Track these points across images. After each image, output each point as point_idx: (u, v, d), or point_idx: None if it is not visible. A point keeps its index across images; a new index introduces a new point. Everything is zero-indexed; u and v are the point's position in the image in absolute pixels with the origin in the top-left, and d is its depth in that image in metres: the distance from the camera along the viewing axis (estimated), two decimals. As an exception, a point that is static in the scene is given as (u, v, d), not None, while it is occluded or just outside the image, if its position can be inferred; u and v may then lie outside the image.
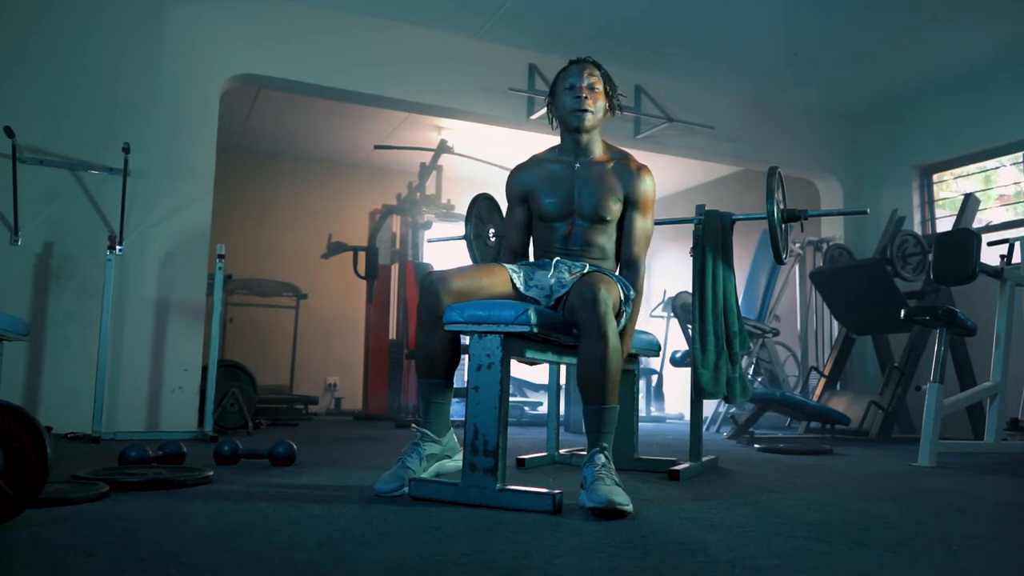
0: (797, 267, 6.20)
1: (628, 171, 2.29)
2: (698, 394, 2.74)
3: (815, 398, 4.95)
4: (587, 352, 1.92)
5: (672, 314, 6.19)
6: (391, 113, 5.83)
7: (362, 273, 5.73)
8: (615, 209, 2.28)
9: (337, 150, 7.25)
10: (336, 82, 4.68)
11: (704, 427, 5.85)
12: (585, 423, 1.97)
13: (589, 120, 2.26)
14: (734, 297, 2.84)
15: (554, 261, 2.26)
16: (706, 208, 2.96)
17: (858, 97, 5.93)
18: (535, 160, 2.40)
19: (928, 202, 5.91)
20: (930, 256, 4.68)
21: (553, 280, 2.22)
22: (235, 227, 7.01)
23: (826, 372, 5.07)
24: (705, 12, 4.62)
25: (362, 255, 5.75)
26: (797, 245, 6.12)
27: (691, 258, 2.90)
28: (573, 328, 2.04)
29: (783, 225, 2.81)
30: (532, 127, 5.19)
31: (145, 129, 4.17)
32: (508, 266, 2.21)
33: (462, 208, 6.52)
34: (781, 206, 2.79)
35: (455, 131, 6.37)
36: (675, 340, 6.92)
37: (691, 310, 2.85)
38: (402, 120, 6.21)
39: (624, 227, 2.31)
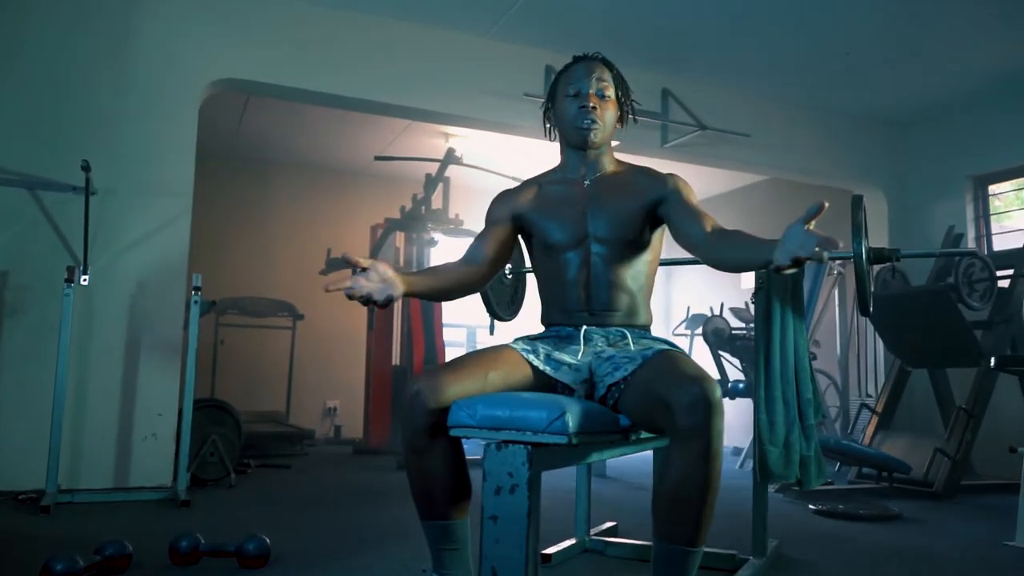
0: (837, 288, 5.68)
1: (653, 177, 1.82)
2: (763, 477, 2.22)
3: (867, 440, 4.42)
4: (683, 473, 1.36)
5: (704, 339, 5.67)
6: (394, 118, 5.33)
7: (362, 296, 5.23)
8: (642, 226, 1.77)
9: (336, 157, 6.75)
10: (330, 87, 4.18)
11: (738, 463, 5.36)
12: (655, 568, 1.43)
13: (597, 135, 1.79)
14: (807, 355, 2.33)
15: (582, 331, 1.74)
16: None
17: (905, 101, 5.39)
18: (531, 183, 1.91)
19: (984, 216, 5.37)
20: (1001, 283, 4.17)
21: (589, 357, 1.69)
22: (227, 241, 6.54)
23: (879, 409, 4.55)
24: (739, 9, 4.10)
25: (362, 276, 5.25)
26: (838, 263, 5.59)
27: (752, 302, 2.40)
28: (635, 428, 1.57)
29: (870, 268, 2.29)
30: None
31: (113, 142, 3.68)
32: (517, 345, 1.70)
33: (471, 224, 6.04)
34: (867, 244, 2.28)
35: (465, 138, 5.86)
36: (701, 362, 6.39)
37: (755, 370, 2.34)
38: (406, 126, 5.71)
39: (679, 218, 1.73)
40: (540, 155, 5.83)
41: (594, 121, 1.76)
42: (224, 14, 3.96)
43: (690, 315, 7.08)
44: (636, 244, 1.78)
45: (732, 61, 4.74)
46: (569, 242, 1.78)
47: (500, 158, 6.20)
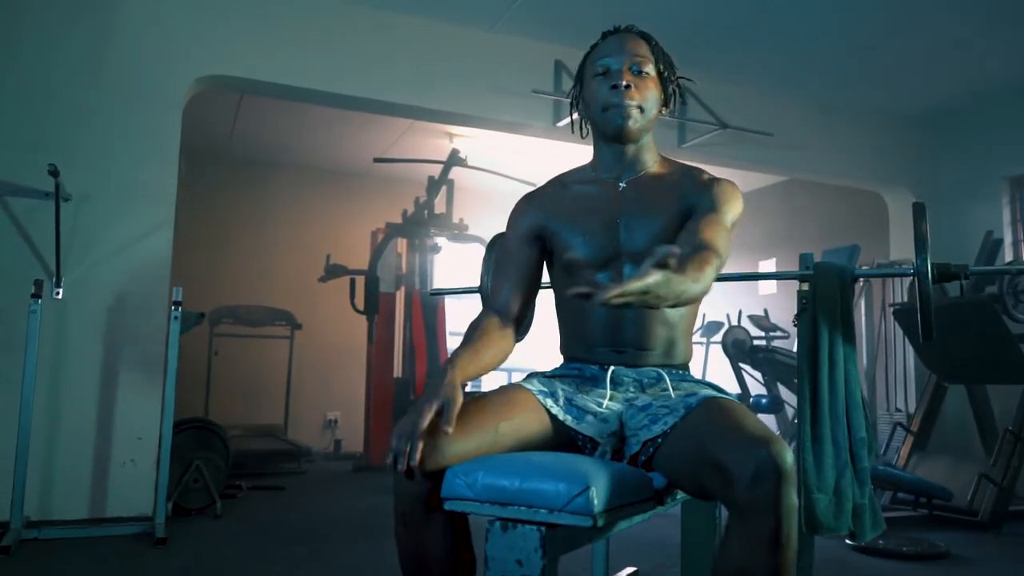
0: (863, 296, 5.37)
1: (697, 181, 1.49)
2: (810, 528, 1.93)
3: (902, 462, 4.12)
4: (746, 559, 1.06)
5: (723, 350, 5.37)
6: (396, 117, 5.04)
7: (360, 306, 4.93)
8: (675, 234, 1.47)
9: (336, 158, 6.46)
10: (325, 84, 3.89)
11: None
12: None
13: (636, 120, 1.45)
14: (859, 387, 2.03)
15: (609, 372, 1.43)
16: (817, 260, 2.15)
17: (936, 97, 5.08)
18: (557, 183, 1.58)
19: (1022, 219, 5.05)
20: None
21: (619, 405, 1.39)
22: (222, 246, 6.27)
23: (914, 428, 4.24)
24: (760, 3, 3.80)
25: (361, 283, 4.94)
26: (864, 269, 5.29)
27: (794, 327, 2.11)
28: (672, 489, 1.31)
29: (933, 286, 2.01)
30: (560, 135, 4.40)
31: (90, 144, 3.41)
32: (532, 386, 1.39)
33: (477, 229, 5.74)
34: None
35: (471, 138, 5.57)
36: (717, 373, 6.08)
37: (799, 405, 2.04)
38: (409, 125, 5.42)
39: (683, 232, 1.41)
40: (555, 153, 5.54)
41: (628, 105, 1.43)
42: (210, 6, 3.68)
43: (705, 322, 6.78)
44: None
45: (753, 57, 4.44)
46: (596, 259, 1.44)
47: (508, 159, 5.92)
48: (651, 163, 1.52)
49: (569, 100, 1.61)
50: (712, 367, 6.40)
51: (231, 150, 6.26)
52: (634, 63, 1.45)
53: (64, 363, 3.31)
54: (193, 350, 5.56)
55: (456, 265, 6.21)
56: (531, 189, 1.62)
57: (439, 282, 5.27)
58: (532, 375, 1.46)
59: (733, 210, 1.45)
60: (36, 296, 2.98)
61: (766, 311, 6.16)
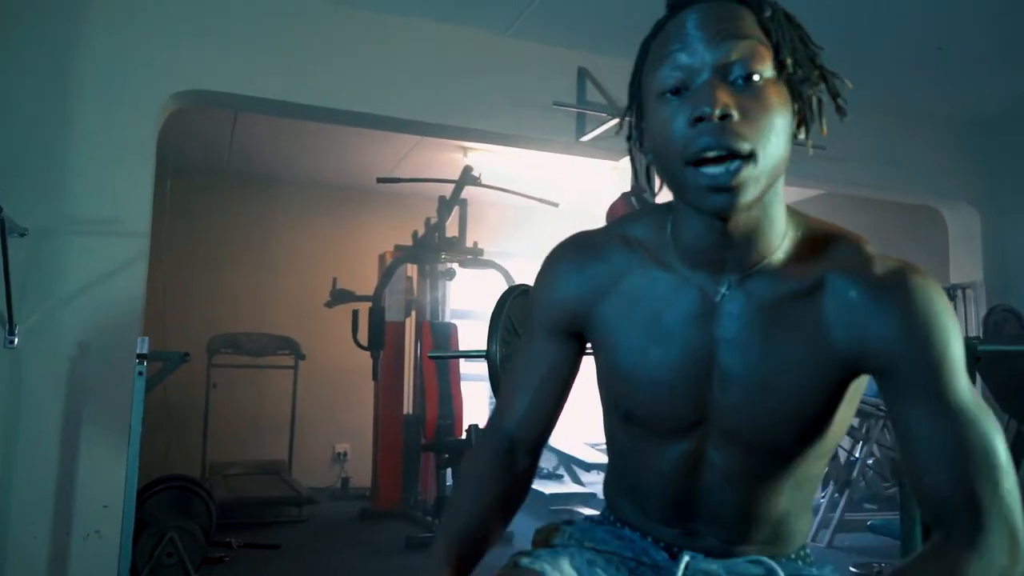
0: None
1: (866, 298, 0.85)
2: None
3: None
4: None
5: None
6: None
7: (363, 341, 4.48)
8: (827, 408, 0.89)
9: (342, 174, 6.03)
10: (320, 99, 3.45)
11: (809, 535, 4.48)
12: None
13: (748, 186, 0.80)
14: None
15: (683, 565, 0.94)
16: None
17: (1002, 99, 4.55)
18: (620, 245, 0.98)
19: (1103, 238, 4.51)
20: None
21: None
22: (220, 270, 5.87)
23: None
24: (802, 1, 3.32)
25: (364, 315, 4.50)
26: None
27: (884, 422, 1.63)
28: None
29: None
30: (584, 151, 3.93)
31: (50, 171, 3.00)
32: (557, 569, 0.91)
33: (493, 254, 5.31)
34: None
35: (487, 152, 5.12)
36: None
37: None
38: (419, 139, 4.98)
39: (906, 435, 0.85)
40: (580, 168, 5.07)
41: (734, 143, 0.78)
42: (188, 15, 3.26)
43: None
44: (809, 447, 0.91)
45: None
46: (665, 422, 0.94)
47: (531, 174, 5.43)
48: (776, 246, 0.88)
49: (617, 128, 1.04)
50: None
51: (229, 166, 5.85)
52: (736, 59, 0.80)
53: (18, 420, 2.90)
54: (189, 384, 5.18)
55: (474, 290, 5.75)
56: (577, 235, 1.03)
57: (454, 309, 4.82)
58: (560, 546, 0.98)
59: (954, 361, 0.83)
60: (-24, 349, 2.57)
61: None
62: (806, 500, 0.98)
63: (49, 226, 2.96)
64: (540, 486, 5.04)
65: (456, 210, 4.78)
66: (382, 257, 5.30)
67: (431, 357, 3.25)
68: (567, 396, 1.05)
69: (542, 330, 1.03)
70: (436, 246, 4.75)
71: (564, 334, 1.01)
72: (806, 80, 0.86)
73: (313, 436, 5.89)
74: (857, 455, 4.78)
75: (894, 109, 4.62)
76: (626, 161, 3.69)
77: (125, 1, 3.16)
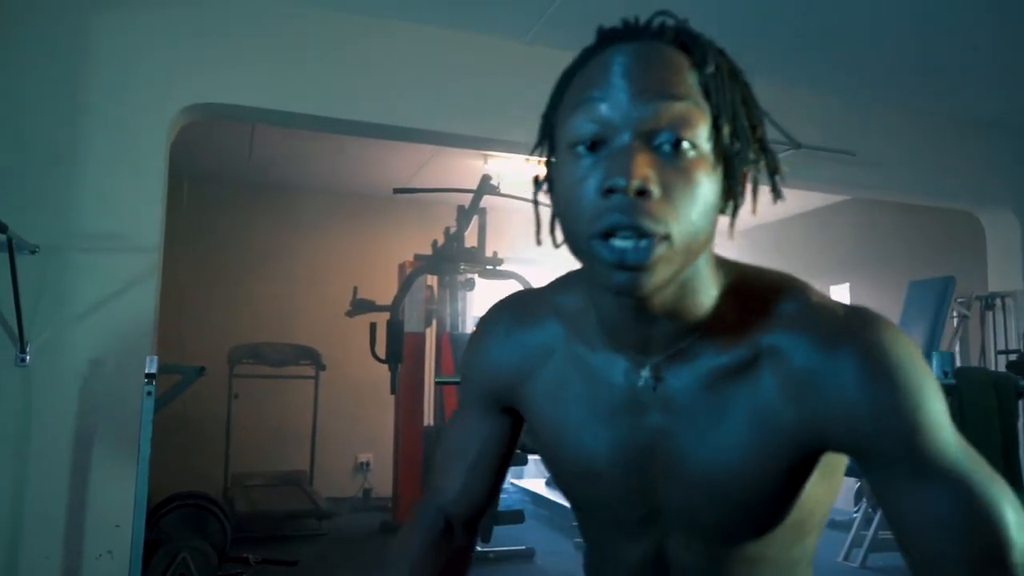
0: (959, 336, 4.66)
1: (819, 369, 0.70)
2: None
3: None
4: None
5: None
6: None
7: (381, 353, 4.42)
8: (786, 500, 0.77)
9: (361, 181, 5.99)
10: (333, 110, 3.39)
11: (842, 551, 4.33)
12: None
13: (658, 275, 0.67)
14: None
15: None
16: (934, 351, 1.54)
17: (1044, 103, 4.36)
18: (549, 313, 0.87)
19: None
20: None
21: None
22: (240, 280, 5.85)
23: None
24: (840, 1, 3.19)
25: (381, 327, 4.43)
26: (959, 302, 4.60)
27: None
28: None
29: None
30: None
31: (59, 187, 2.98)
32: None
33: (514, 263, 5.20)
34: None
35: (506, 158, 5.04)
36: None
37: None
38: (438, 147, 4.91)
39: (895, 519, 0.71)
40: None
41: (646, 223, 0.65)
42: (195, 27, 3.21)
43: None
44: (780, 536, 0.79)
45: (829, 64, 3.81)
46: (621, 519, 0.84)
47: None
48: (704, 317, 0.75)
49: (538, 179, 0.82)
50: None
51: (248, 177, 5.84)
52: (665, 125, 0.67)
53: (29, 439, 2.87)
54: (211, 395, 5.17)
55: (494, 300, 5.67)
56: (515, 297, 0.94)
57: (474, 320, 4.74)
58: None
59: (939, 413, 0.70)
60: (-15, 369, 2.54)
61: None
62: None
63: (59, 243, 2.93)
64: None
65: (475, 219, 4.70)
66: (402, 267, 5.25)
67: (438, 383, 3.17)
68: (506, 468, 0.96)
69: (473, 403, 0.94)
70: (455, 256, 4.67)
71: (497, 408, 0.92)
72: (742, 155, 0.72)
73: (335, 446, 5.85)
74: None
75: (928, 112, 4.46)
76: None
77: (133, 17, 3.12)
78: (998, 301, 4.50)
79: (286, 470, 5.53)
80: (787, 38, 3.55)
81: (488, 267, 4.64)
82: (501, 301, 0.93)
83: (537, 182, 0.80)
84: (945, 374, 1.46)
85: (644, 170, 0.65)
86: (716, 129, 0.70)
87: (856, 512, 4.44)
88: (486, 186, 4.42)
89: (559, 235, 0.74)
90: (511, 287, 4.78)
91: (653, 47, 0.71)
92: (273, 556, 3.88)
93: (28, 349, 2.85)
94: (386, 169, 5.59)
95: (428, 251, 5.06)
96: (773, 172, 0.76)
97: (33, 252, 2.86)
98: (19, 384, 2.85)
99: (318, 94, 3.37)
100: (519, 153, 3.96)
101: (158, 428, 2.93)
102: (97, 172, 3.02)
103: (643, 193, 0.65)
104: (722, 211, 0.73)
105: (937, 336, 4.22)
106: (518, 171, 5.08)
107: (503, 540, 4.12)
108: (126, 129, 3.07)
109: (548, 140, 0.79)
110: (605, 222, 0.65)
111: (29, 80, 2.97)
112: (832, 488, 0.82)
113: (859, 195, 4.96)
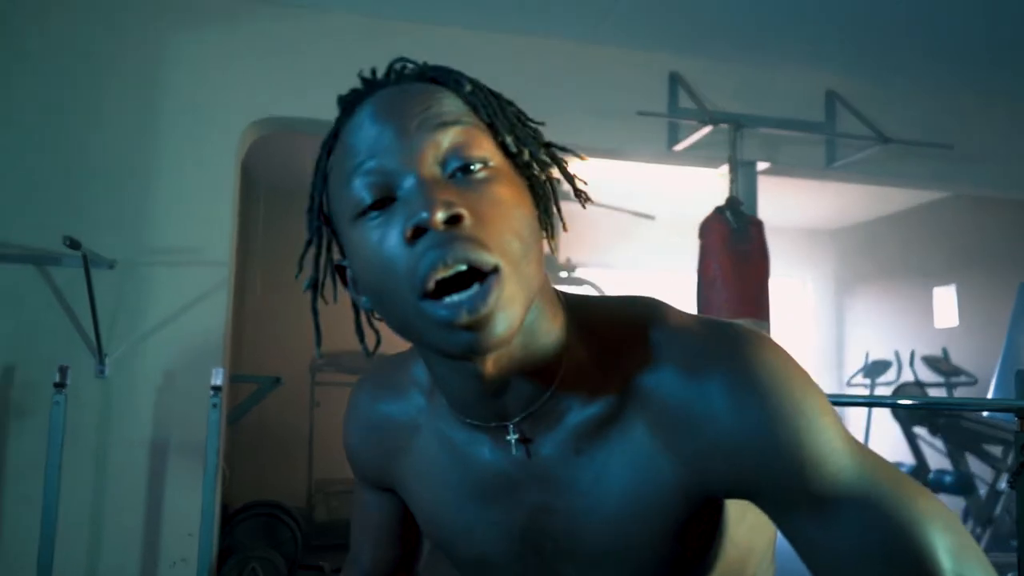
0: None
1: (685, 408, 0.62)
2: None
3: None
4: None
5: (892, 415, 4.45)
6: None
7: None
8: (704, 557, 0.69)
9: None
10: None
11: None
12: None
13: (508, 317, 0.58)
14: None
15: None
16: None
17: None
18: (411, 399, 0.79)
19: None
20: None
21: None
22: (324, 291, 5.94)
23: None
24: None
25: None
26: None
27: (1009, 483, 1.34)
28: None
29: None
30: (678, 160, 3.69)
31: (134, 204, 3.07)
32: None
33: (587, 270, 5.10)
34: None
35: (572, 162, 4.94)
36: (883, 440, 5.07)
37: None
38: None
39: (806, 555, 0.62)
40: (671, 178, 4.83)
41: (473, 272, 0.57)
42: (264, 41, 3.26)
43: (869, 362, 5.81)
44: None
45: (918, 51, 3.54)
46: None
47: (619, 183, 5.20)
48: (557, 367, 0.66)
49: (327, 262, 0.75)
50: (879, 427, 5.35)
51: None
52: (447, 150, 0.62)
53: (108, 449, 2.96)
54: (294, 404, 5.29)
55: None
56: (378, 368, 0.85)
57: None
58: None
59: (827, 428, 0.61)
60: (60, 384, 2.62)
61: (945, 351, 5.14)
62: None
63: (135, 258, 3.03)
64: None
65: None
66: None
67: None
68: (401, 527, 0.88)
69: (358, 479, 0.88)
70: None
71: (378, 487, 0.85)
72: (537, 162, 0.67)
73: (415, 454, 5.87)
74: (1002, 486, 4.27)
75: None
76: (725, 168, 3.42)
77: (204, 34, 3.20)
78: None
79: (368, 478, 5.59)
80: (875, 27, 3.32)
81: (561, 273, 4.55)
82: (364, 376, 0.86)
83: (317, 287, 0.73)
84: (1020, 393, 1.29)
85: (446, 195, 0.58)
86: (500, 144, 0.65)
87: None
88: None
89: (383, 326, 0.68)
90: (586, 292, 4.69)
91: (401, 89, 0.65)
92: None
93: (106, 361, 2.95)
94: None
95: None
96: (571, 179, 0.71)
97: (111, 267, 2.95)
98: (99, 396, 2.95)
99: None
100: (589, 156, 3.86)
101: (240, 438, 2.99)
102: (170, 187, 3.10)
103: (454, 220, 0.57)
104: (543, 235, 0.66)
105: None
106: (583, 174, 4.97)
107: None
108: (197, 144, 3.15)
109: (328, 235, 0.71)
110: (424, 268, 0.57)
111: (105, 98, 3.08)
112: (762, 522, 0.74)
113: (958, 191, 4.62)
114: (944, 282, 5.79)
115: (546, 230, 0.67)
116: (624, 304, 0.70)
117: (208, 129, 3.16)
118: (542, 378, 0.65)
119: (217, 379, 2.79)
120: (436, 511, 0.74)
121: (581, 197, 0.70)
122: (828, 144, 3.75)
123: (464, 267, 0.56)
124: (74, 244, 2.56)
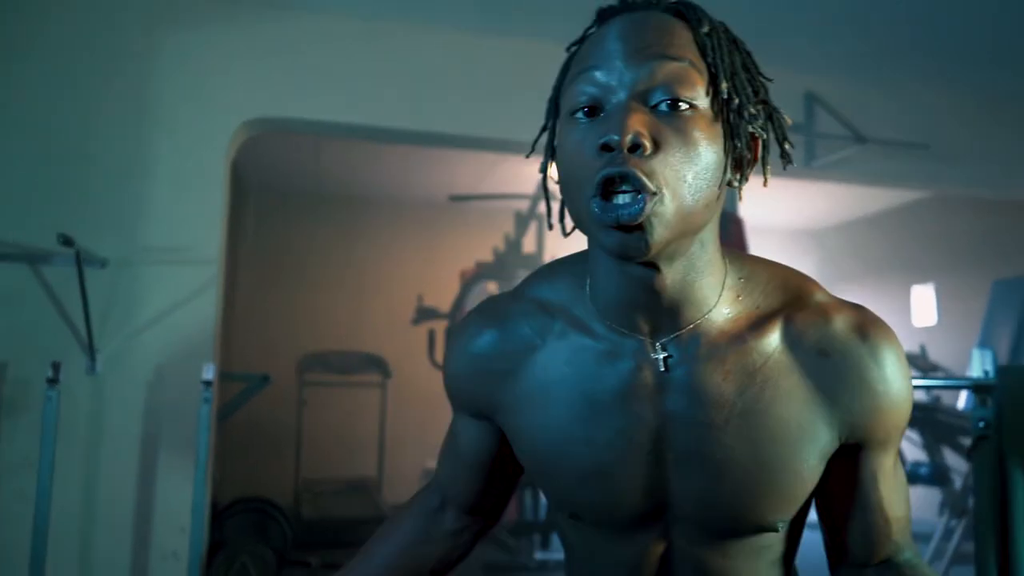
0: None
1: (844, 365, 0.74)
2: None
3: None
4: None
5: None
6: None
7: (440, 361, 4.45)
8: (802, 492, 0.75)
9: (425, 189, 6.06)
10: (397, 121, 3.44)
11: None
12: None
13: (657, 233, 0.66)
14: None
15: None
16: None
17: None
18: (526, 323, 0.82)
19: None
20: None
21: None
22: (308, 289, 6.00)
23: None
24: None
25: (440, 333, 4.46)
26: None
27: (967, 455, 1.42)
28: None
29: None
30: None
31: (126, 203, 3.12)
32: None
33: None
34: None
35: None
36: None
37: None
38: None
39: (844, 487, 0.78)
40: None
41: (640, 176, 0.65)
42: (255, 42, 3.32)
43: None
44: (788, 521, 0.79)
45: (898, 52, 3.64)
46: (621, 521, 0.79)
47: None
48: (715, 299, 0.75)
49: (549, 144, 0.82)
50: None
51: (314, 188, 6.00)
52: (659, 83, 0.67)
53: (100, 444, 3.01)
54: (282, 402, 5.33)
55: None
56: (486, 303, 0.89)
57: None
58: None
59: (904, 425, 0.79)
60: (53, 380, 2.66)
61: (923, 348, 5.24)
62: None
63: (127, 256, 3.07)
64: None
65: (534, 225, 4.69)
66: (463, 274, 5.28)
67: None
68: (509, 465, 0.91)
69: (458, 410, 0.91)
70: (514, 262, 4.67)
71: (477, 417, 0.88)
72: (745, 113, 0.71)
73: (403, 453, 5.93)
74: (977, 479, 4.36)
75: (1015, 100, 4.21)
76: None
77: (197, 34, 3.25)
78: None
79: (354, 477, 5.63)
80: (852, 28, 3.42)
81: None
82: (474, 309, 0.89)
83: (545, 169, 0.81)
84: (986, 372, 1.37)
85: (638, 125, 0.65)
86: (715, 89, 0.69)
87: (939, 523, 4.22)
88: (541, 191, 4.40)
89: (568, 223, 0.76)
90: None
91: (647, 14, 0.72)
92: (336, 561, 3.95)
93: (98, 358, 2.99)
94: (450, 177, 5.64)
95: (490, 258, 5.08)
96: (781, 140, 0.76)
97: (103, 266, 3.00)
98: (90, 392, 2.99)
99: (381, 105, 3.43)
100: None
101: (230, 435, 3.03)
102: (162, 186, 3.15)
103: (636, 148, 0.65)
104: (729, 183, 0.72)
105: None
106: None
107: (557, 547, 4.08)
108: (189, 143, 3.20)
109: (552, 123, 0.80)
110: (599, 176, 0.65)
111: (97, 97, 3.13)
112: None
113: (935, 191, 4.72)
114: (922, 281, 5.91)
115: (736, 179, 0.72)
116: (783, 266, 0.81)
117: (200, 129, 3.21)
118: (698, 304, 0.74)
119: (208, 374, 2.84)
120: (550, 425, 0.78)
121: (785, 159, 0.76)
122: (807, 144, 3.84)
123: (629, 188, 0.65)
124: (67, 242, 2.61)
